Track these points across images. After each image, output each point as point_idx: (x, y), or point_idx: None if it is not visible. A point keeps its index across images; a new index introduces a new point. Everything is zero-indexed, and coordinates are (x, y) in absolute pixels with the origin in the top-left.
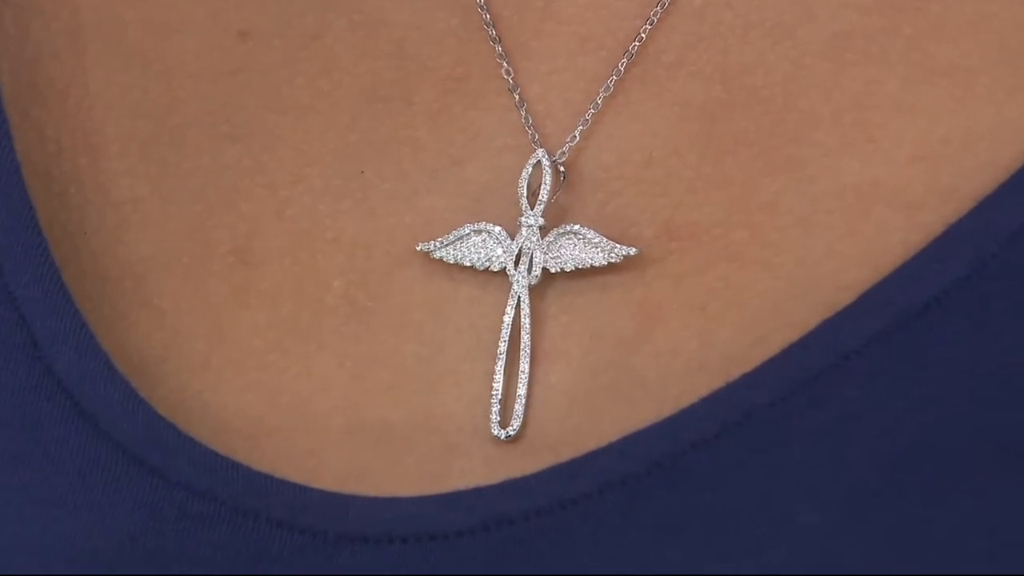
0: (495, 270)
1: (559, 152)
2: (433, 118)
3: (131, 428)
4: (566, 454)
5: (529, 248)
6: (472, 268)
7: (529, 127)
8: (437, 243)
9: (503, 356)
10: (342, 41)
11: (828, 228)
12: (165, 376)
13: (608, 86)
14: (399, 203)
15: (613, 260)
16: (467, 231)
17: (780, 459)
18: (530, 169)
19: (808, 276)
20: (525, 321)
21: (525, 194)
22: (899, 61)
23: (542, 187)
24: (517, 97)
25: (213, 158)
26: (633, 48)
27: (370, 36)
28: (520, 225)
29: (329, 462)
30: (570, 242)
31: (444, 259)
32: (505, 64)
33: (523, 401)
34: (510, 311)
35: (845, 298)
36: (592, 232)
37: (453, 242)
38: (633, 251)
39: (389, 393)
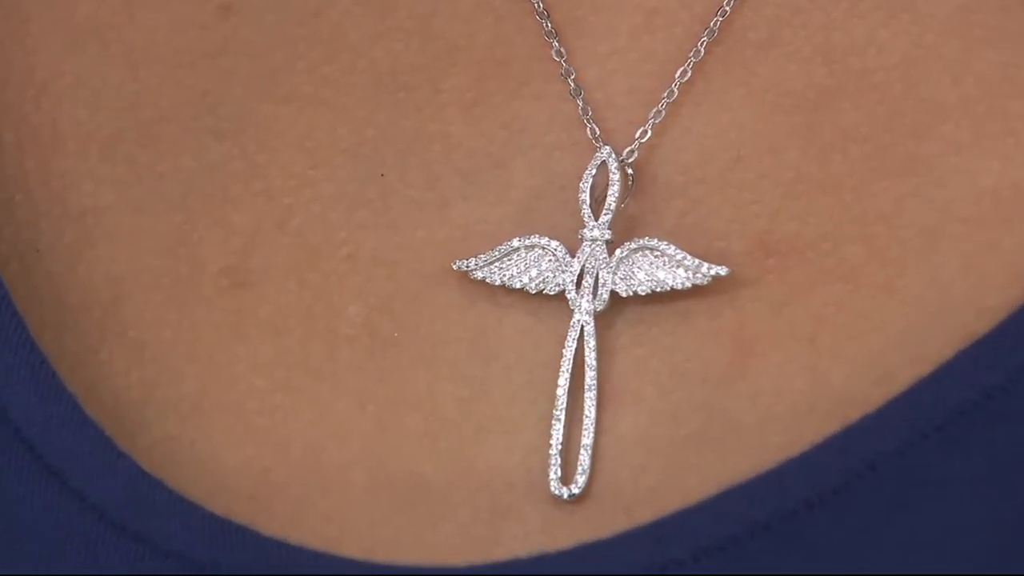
0: (551, 294)
1: (627, 151)
2: (468, 110)
3: (109, 487)
4: (643, 515)
5: (594, 267)
6: (522, 291)
7: (588, 120)
8: (478, 260)
9: (563, 398)
10: (351, 17)
11: (962, 241)
12: (147, 423)
13: (685, 70)
14: (428, 213)
15: (698, 282)
16: (516, 246)
17: (912, 517)
18: (593, 171)
19: (939, 300)
20: (590, 356)
21: (588, 202)
22: None
23: (608, 193)
24: (572, 84)
25: (195, 158)
26: (715, 24)
27: (387, 11)
28: (582, 239)
29: (352, 525)
30: (644, 260)
31: (487, 280)
32: (555, 43)
33: (589, 452)
34: (571, 343)
35: (985, 325)
36: (671, 247)
37: (499, 259)
38: (723, 271)
39: (422, 442)
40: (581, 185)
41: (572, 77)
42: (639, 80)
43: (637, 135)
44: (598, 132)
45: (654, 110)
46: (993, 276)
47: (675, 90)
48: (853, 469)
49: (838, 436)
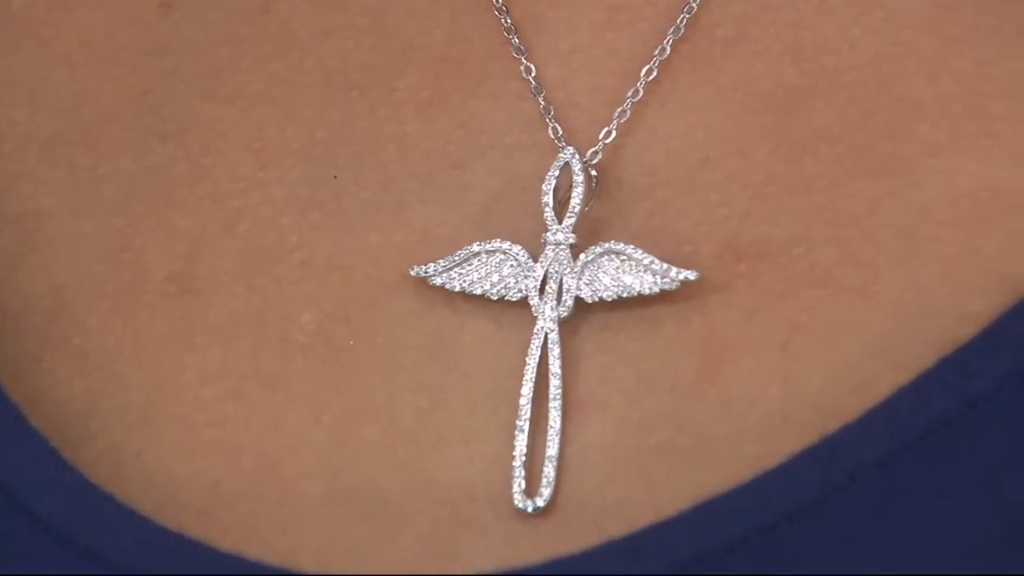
0: (513, 300)
1: (591, 152)
2: (424, 109)
3: (56, 501)
4: (613, 529)
5: (557, 272)
6: (483, 297)
7: (550, 120)
8: (437, 266)
9: (527, 407)
10: (299, 13)
11: (940, 244)
12: (92, 434)
13: (651, 68)
14: (384, 216)
15: (666, 287)
16: (476, 250)
17: (894, 529)
18: (556, 173)
19: (918, 304)
20: (554, 363)
21: (551, 204)
22: (1018, 35)
23: (572, 196)
24: (533, 82)
25: (138, 160)
26: (681, 21)
27: (337, 7)
28: (545, 243)
29: (308, 539)
30: (610, 264)
31: (446, 286)
32: (515, 40)
33: (554, 463)
34: (535, 351)
35: (967, 331)
36: (638, 251)
37: (458, 264)
38: (692, 275)
39: (380, 453)
40: (544, 187)
41: (532, 75)
42: (602, 78)
43: (601, 135)
44: (560, 132)
45: (619, 109)
46: (974, 280)
47: (640, 89)
48: (833, 481)
49: (816, 447)
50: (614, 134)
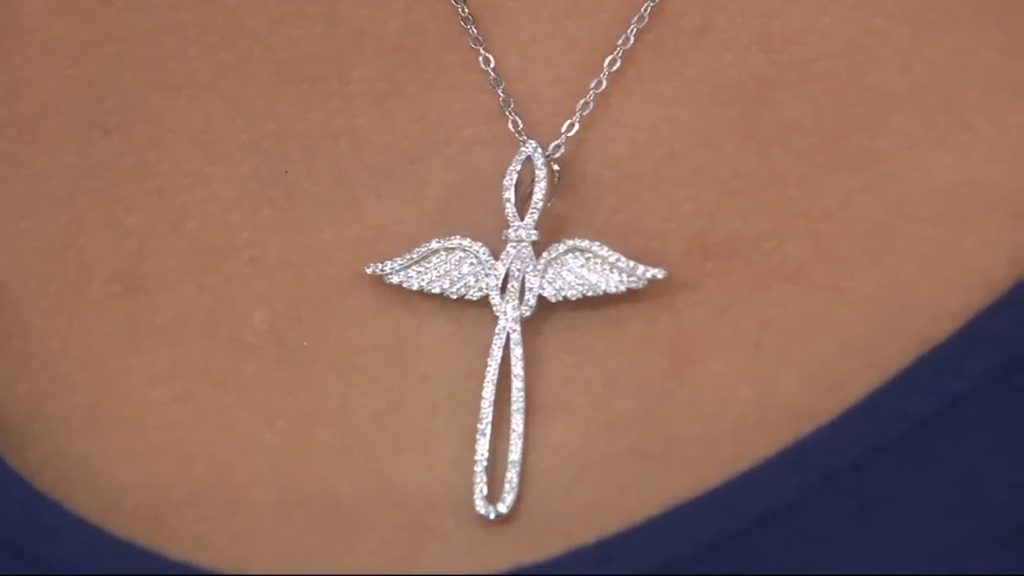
0: (474, 299)
1: (553, 145)
2: (378, 102)
3: (0, 509)
4: (580, 536)
5: (519, 270)
6: (442, 296)
7: (510, 112)
8: (394, 264)
9: (488, 410)
10: (247, 1)
11: (917, 241)
12: (37, 438)
13: (615, 58)
14: (338, 212)
15: (633, 285)
16: (435, 247)
17: (871, 532)
18: (517, 168)
19: (894, 302)
20: (517, 365)
21: (512, 200)
22: (995, 24)
23: (534, 191)
24: (492, 73)
25: (81, 155)
26: (645, 9)
27: None
28: (506, 240)
29: (261, 546)
30: (574, 262)
31: (404, 285)
32: (473, 30)
33: (517, 468)
34: (496, 352)
35: (944, 329)
36: (604, 248)
37: (416, 262)
38: (660, 273)
39: (335, 458)
40: (505, 182)
41: (491, 66)
42: (564, 70)
43: (564, 128)
44: (521, 125)
45: (581, 101)
46: (952, 278)
47: (604, 80)
48: (808, 484)
49: (790, 449)
50: (577, 127)
